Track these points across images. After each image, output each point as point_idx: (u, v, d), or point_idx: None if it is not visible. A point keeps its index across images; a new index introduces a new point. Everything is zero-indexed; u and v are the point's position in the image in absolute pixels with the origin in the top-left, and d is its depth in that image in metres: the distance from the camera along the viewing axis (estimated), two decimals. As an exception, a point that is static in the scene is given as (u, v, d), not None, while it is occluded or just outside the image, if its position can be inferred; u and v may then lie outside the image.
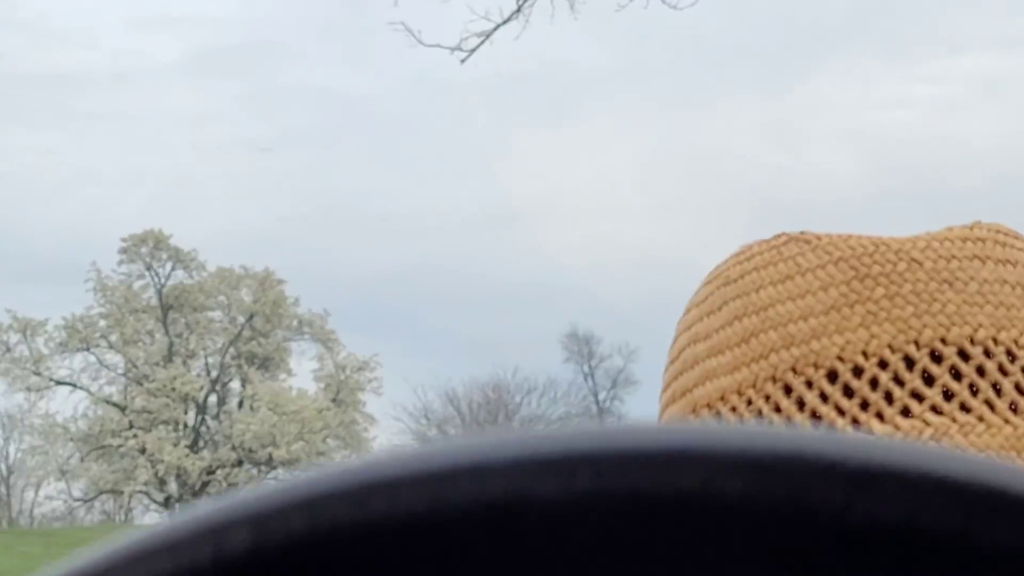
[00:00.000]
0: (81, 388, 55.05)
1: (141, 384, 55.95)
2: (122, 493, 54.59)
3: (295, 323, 62.17)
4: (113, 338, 55.46)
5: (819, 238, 1.02)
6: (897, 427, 0.93)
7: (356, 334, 73.70)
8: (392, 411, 62.96)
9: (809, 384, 0.97)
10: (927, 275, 0.99)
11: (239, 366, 58.65)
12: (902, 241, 1.02)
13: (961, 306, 0.98)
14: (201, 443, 56.60)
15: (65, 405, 56.22)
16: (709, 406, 1.00)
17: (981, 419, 0.94)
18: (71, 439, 54.90)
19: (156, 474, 53.09)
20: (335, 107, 68.26)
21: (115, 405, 55.33)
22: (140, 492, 55.38)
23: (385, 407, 68.13)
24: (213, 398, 58.21)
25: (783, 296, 1.00)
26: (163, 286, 57.26)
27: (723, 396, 1.00)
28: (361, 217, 69.91)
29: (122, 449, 54.29)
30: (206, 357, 57.63)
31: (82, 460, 54.94)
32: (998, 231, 1.04)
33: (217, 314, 59.29)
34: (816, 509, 0.35)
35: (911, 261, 0.99)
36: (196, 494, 55.60)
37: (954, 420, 0.94)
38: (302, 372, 59.84)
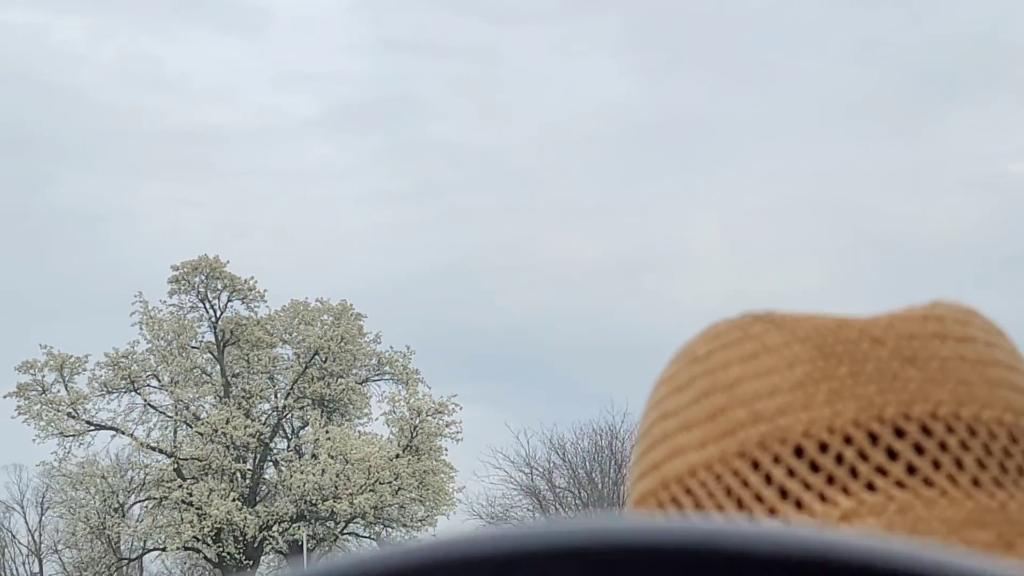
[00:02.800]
0: (123, 433, 49.35)
1: (191, 427, 50.13)
2: (164, 550, 48.70)
3: (374, 361, 56.20)
4: (162, 377, 49.82)
5: (784, 318, 1.05)
6: (862, 502, 0.96)
7: (467, 381, 72.85)
8: (492, 458, 57.02)
9: (776, 460, 0.99)
10: (889, 353, 1.01)
11: (303, 408, 52.61)
12: (864, 320, 1.04)
13: (923, 383, 1.00)
14: (258, 495, 50.59)
15: (105, 453, 50.15)
16: (679, 481, 1.02)
17: (944, 493, 0.96)
18: (111, 491, 49.15)
19: (202, 530, 46.99)
20: (468, 160, 70.11)
21: (161, 451, 49.54)
22: (190, 549, 49.42)
23: (483, 453, 61.85)
24: (279, 443, 52.32)
25: (750, 374, 1.01)
26: (218, 319, 51.46)
27: (693, 471, 1.01)
28: (492, 267, 70.18)
29: (166, 501, 48.40)
30: (267, 399, 51.76)
31: (123, 515, 49.10)
32: (957, 310, 1.06)
33: (286, 350, 53.47)
34: None
35: (873, 340, 1.02)
36: (251, 554, 49.55)
37: (917, 495, 0.96)
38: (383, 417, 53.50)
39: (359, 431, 52.18)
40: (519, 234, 71.13)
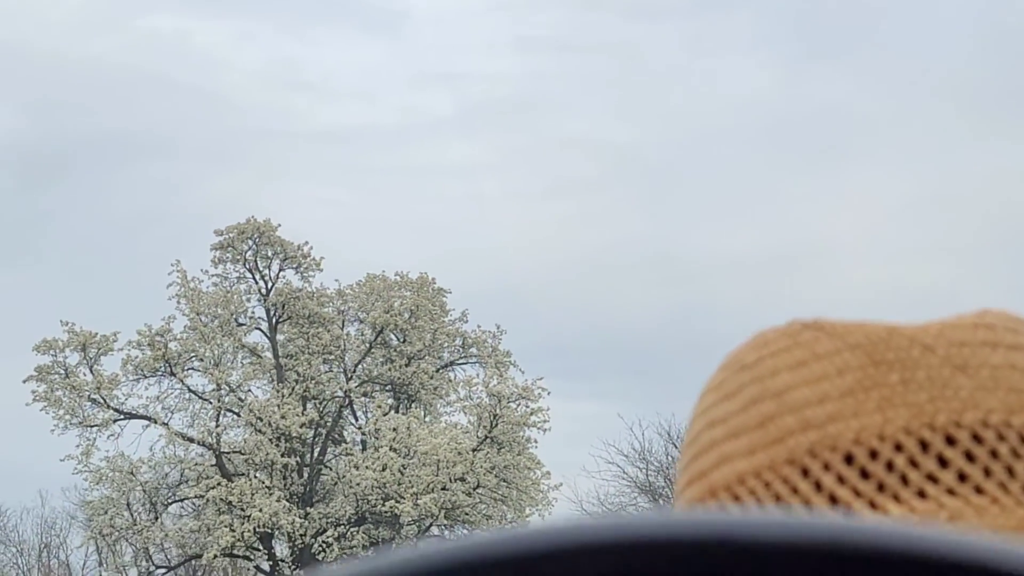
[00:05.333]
0: (156, 422, 42.83)
1: (236, 415, 43.50)
2: (198, 558, 42.05)
3: (458, 343, 49.24)
4: (204, 358, 43.23)
5: (833, 325, 1.06)
6: (913, 509, 0.97)
7: (585, 377, 70.48)
8: (605, 454, 50.43)
9: (826, 467, 1.00)
10: (940, 361, 1.02)
11: (369, 395, 45.71)
12: (915, 328, 1.06)
13: (974, 391, 1.01)
14: (315, 494, 43.78)
15: (137, 445, 43.65)
16: (727, 489, 1.03)
17: (995, 501, 0.97)
18: (143, 490, 42.67)
19: (243, 535, 40.27)
20: (606, 156, 70.34)
21: (200, 443, 42.96)
22: (231, 556, 42.77)
23: (595, 447, 55.58)
24: (339, 435, 45.52)
25: (799, 381, 1.03)
26: (269, 291, 44.76)
27: (741, 479, 1.03)
28: (629, 264, 69.86)
29: (205, 501, 41.82)
30: (326, 384, 44.98)
31: (157, 516, 42.60)
32: (1008, 318, 1.08)
33: (352, 328, 46.70)
34: None
35: (924, 347, 1.03)
36: (305, 563, 42.73)
37: (968, 502, 0.98)
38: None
39: (434, 421, 45.13)
40: (653, 231, 70.39)
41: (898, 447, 0.98)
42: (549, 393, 44.17)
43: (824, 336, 1.03)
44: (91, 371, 41.85)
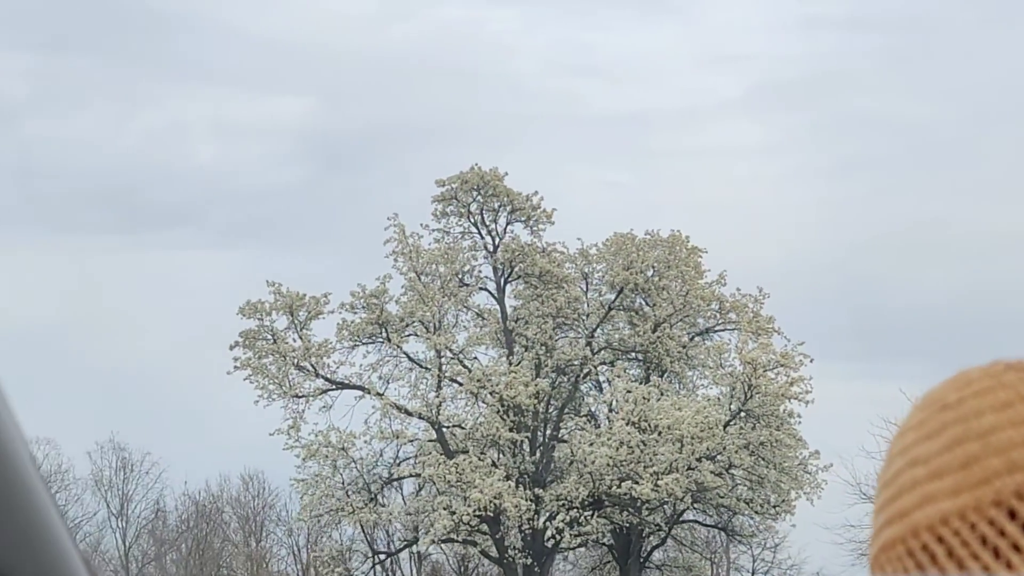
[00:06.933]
0: (370, 392, 38.74)
1: (459, 385, 39.17)
2: (414, 543, 37.77)
3: (714, 307, 43.99)
4: (424, 322, 39.00)
5: None
6: None
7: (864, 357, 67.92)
8: (888, 432, 44.79)
9: None
10: None
11: (609, 364, 40.81)
12: None
13: None
14: (548, 474, 39.10)
15: (350, 419, 39.58)
16: (930, 529, 1.03)
17: None
18: (357, 466, 38.62)
19: (460, 517, 35.88)
20: (898, 133, 70.59)
21: (420, 416, 38.72)
22: (449, 541, 38.44)
23: (874, 426, 49.26)
24: (573, 407, 40.73)
25: (1005, 422, 1.03)
26: (496, 247, 40.25)
27: (945, 520, 1.02)
28: (914, 244, 69.23)
29: (419, 481, 37.59)
30: (562, 351, 40.27)
31: (373, 497, 38.52)
32: None
33: (593, 292, 41.89)
34: None
35: None
36: (537, 551, 38.20)
37: None
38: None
39: (690, 395, 40.02)
40: (947, 209, 70.25)
41: None
42: (812, 360, 38.62)
43: None
44: (300, 336, 37.99)
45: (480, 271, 40.00)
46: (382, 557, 40.14)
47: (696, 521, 44.18)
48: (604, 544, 41.85)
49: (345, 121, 72.17)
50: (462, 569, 47.43)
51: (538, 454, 38.68)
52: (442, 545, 39.21)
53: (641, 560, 42.48)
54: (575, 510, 37.45)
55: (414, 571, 49.50)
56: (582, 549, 43.12)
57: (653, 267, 40.42)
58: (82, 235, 78.48)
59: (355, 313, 38.51)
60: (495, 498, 36.06)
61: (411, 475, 37.77)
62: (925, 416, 1.05)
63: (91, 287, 74.95)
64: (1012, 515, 0.98)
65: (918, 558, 1.00)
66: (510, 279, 39.88)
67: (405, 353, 38.88)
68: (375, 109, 72.00)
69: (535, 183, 65.19)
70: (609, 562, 45.34)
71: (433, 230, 39.53)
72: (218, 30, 76.21)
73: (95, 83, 77.24)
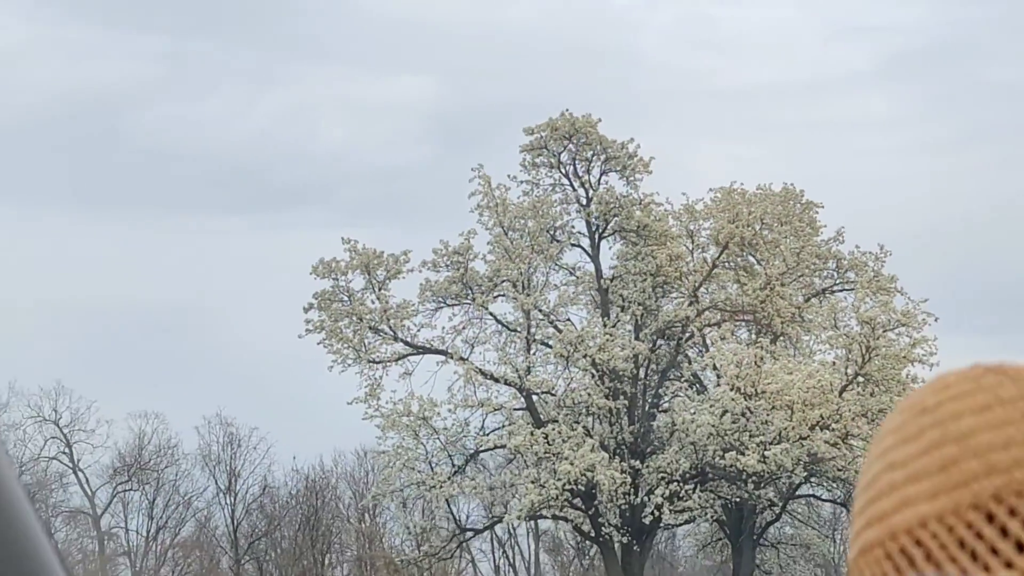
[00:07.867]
0: (453, 357, 35.97)
1: (549, 348, 36.25)
2: (498, 522, 34.91)
3: (831, 265, 40.68)
4: (512, 280, 36.14)
5: (1017, 370, 1.07)
6: None
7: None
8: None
9: (1012, 512, 1.01)
10: None
11: (715, 325, 37.62)
12: None
13: None
14: (648, 444, 36.06)
15: (432, 385, 36.88)
16: (909, 532, 1.04)
17: None
18: (439, 437, 35.89)
19: (548, 494, 33.01)
20: None
21: (507, 383, 35.87)
22: (546, 517, 35.58)
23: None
24: (675, 373, 37.64)
25: (983, 425, 1.03)
26: (589, 199, 37.23)
27: (923, 523, 1.03)
28: None
29: (507, 452, 34.77)
30: (662, 312, 37.19)
31: (456, 472, 35.77)
32: None
33: (699, 251, 38.76)
34: None
35: None
36: (636, 527, 35.20)
37: None
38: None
39: (805, 360, 36.77)
40: None
41: None
42: (937, 319, 35.12)
43: (1008, 380, 1.02)
44: (377, 297, 35.32)
45: (572, 226, 37.08)
46: (470, 535, 37.41)
47: (813, 495, 41.07)
48: (715, 520, 38.90)
49: (468, 99, 72.44)
50: (579, 545, 44.89)
51: (637, 423, 35.65)
52: (537, 522, 36.33)
53: (755, 537, 39.60)
54: (675, 483, 34.40)
55: (531, 546, 47.15)
56: (690, 525, 40.07)
57: (762, 221, 37.19)
58: (206, 215, 79.04)
59: (438, 272, 35.80)
60: (587, 470, 33.13)
61: (496, 447, 34.93)
62: (904, 420, 1.02)
63: (212, 266, 75.32)
64: (990, 518, 0.97)
65: (896, 561, 1.00)
66: (605, 234, 36.87)
67: (491, 314, 36.08)
68: (497, 88, 71.91)
69: (661, 158, 64.85)
70: (721, 539, 42.45)
71: (521, 182, 36.68)
72: (342, 11, 74.80)
73: (224, 65, 77.42)
